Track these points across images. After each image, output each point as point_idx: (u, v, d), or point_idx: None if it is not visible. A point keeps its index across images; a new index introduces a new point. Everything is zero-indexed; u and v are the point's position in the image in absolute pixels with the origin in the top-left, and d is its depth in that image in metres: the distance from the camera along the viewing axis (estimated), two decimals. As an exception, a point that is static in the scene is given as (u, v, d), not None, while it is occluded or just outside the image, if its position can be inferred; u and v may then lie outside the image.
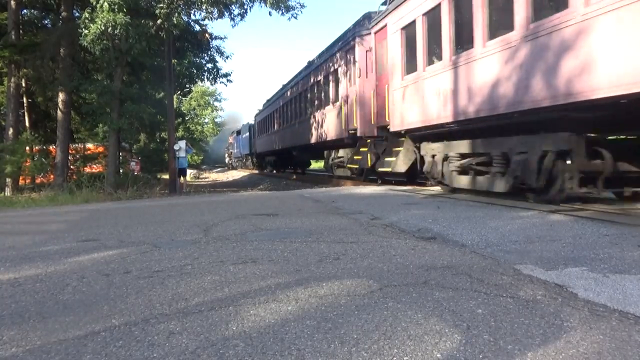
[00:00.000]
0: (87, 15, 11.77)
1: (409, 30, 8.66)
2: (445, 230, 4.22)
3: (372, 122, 10.96)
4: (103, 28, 11.45)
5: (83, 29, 11.90)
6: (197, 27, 16.94)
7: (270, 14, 13.46)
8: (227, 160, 67.03)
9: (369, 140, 11.29)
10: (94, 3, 11.56)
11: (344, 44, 12.54)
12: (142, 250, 3.75)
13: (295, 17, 13.62)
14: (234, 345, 1.82)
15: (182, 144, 15.32)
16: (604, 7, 4.50)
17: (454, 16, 7.14)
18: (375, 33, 10.56)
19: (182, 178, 15.63)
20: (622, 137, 6.23)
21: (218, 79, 19.07)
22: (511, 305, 2.17)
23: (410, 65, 8.67)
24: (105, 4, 11.31)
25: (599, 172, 5.34)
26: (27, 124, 19.88)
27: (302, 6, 13.63)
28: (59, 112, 16.46)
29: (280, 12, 13.36)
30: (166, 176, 18.68)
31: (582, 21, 4.74)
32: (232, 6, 13.48)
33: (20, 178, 17.38)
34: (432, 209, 5.68)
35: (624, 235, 3.70)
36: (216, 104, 69.48)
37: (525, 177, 5.79)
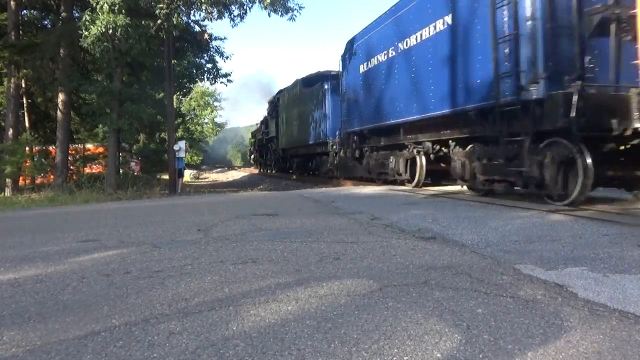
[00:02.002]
0: (87, 17, 11.77)
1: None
2: (445, 230, 4.22)
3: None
4: (103, 30, 11.45)
5: (84, 31, 11.90)
6: (197, 28, 16.96)
7: (269, 15, 13.48)
8: (252, 157, 36.54)
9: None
10: (94, 4, 11.55)
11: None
12: (142, 251, 3.75)
13: (294, 20, 13.67)
14: (234, 345, 1.82)
15: (182, 144, 15.31)
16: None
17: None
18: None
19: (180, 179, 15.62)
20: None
21: (218, 79, 19.09)
22: (511, 305, 2.17)
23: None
24: (105, 5, 11.30)
25: None
26: (26, 124, 19.88)
27: (301, 7, 13.67)
28: (58, 113, 16.46)
29: (280, 14, 13.38)
30: (166, 176, 18.68)
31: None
32: (232, 6, 13.51)
33: (20, 178, 17.38)
34: (432, 209, 5.68)
35: (624, 235, 3.70)
36: (216, 103, 69.55)
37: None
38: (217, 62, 19.22)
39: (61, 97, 16.10)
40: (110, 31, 11.60)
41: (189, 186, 15.99)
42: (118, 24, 11.42)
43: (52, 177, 17.28)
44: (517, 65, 5.82)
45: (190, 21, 16.08)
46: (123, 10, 11.58)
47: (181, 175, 15.86)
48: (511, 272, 2.76)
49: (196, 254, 3.55)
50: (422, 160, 9.08)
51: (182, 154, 15.12)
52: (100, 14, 11.41)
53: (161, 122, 24.08)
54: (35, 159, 18.32)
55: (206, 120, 69.63)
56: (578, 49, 5.40)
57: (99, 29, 11.41)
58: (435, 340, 1.81)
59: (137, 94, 15.78)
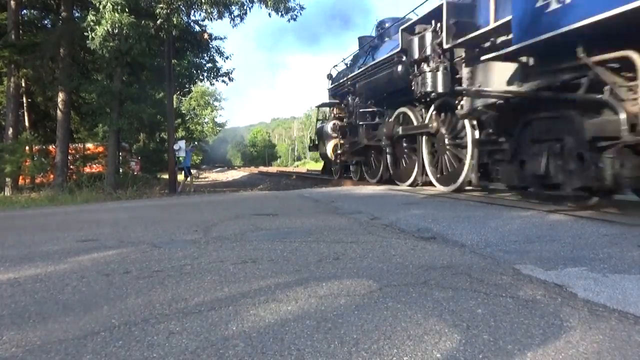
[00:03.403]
0: (91, 17, 11.74)
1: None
2: (444, 230, 4.22)
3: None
4: (109, 29, 11.43)
5: (89, 32, 11.85)
6: (197, 28, 16.98)
7: (269, 15, 13.49)
8: (330, 151, 13.89)
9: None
10: (97, 4, 11.53)
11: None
12: (141, 250, 3.75)
13: (295, 19, 13.67)
14: (233, 345, 1.82)
15: (181, 143, 15.35)
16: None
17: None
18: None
19: (187, 178, 15.67)
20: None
21: (218, 78, 19.11)
22: (511, 305, 2.17)
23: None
24: (109, 4, 11.29)
25: None
26: (26, 123, 19.90)
27: (302, 8, 13.68)
28: (58, 112, 16.47)
29: (280, 14, 13.38)
30: (166, 176, 18.68)
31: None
32: (232, 7, 13.51)
33: (20, 178, 17.41)
34: (432, 209, 5.68)
35: (624, 235, 3.70)
36: (216, 103, 69.64)
37: None
38: (217, 62, 19.27)
39: (61, 96, 16.11)
40: (116, 30, 11.59)
41: (188, 186, 15.97)
42: (124, 23, 11.41)
43: (52, 176, 17.28)
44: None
45: (190, 21, 16.12)
46: (125, 10, 11.57)
47: (189, 174, 15.87)
48: (511, 272, 2.76)
49: (196, 253, 3.55)
50: None
51: (181, 154, 15.16)
52: (105, 12, 11.39)
53: (161, 122, 24.11)
54: (35, 159, 18.32)
55: (206, 120, 69.67)
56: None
57: (105, 28, 11.39)
58: (434, 340, 1.81)
59: (137, 93, 15.79)
